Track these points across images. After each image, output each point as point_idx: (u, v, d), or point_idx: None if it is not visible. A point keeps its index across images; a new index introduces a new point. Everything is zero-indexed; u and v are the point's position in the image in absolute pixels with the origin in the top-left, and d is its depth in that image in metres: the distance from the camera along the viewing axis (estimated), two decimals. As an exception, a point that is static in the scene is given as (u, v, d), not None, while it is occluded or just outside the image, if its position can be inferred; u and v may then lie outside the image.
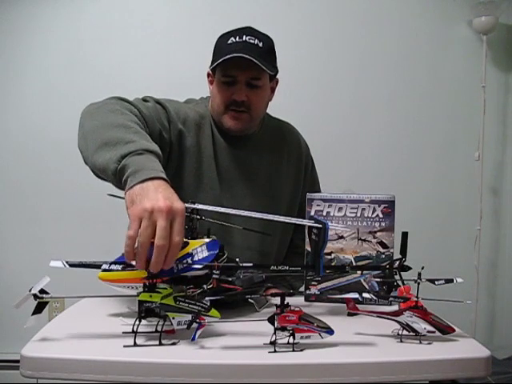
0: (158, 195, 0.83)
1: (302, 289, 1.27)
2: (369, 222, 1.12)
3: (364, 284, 1.12)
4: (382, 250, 1.12)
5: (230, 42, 1.22)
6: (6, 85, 2.10)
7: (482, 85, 2.13)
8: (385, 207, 1.12)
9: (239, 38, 1.21)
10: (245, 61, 1.17)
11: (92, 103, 1.17)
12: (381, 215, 1.12)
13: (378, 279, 1.07)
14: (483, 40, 2.13)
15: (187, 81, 2.08)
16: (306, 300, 1.17)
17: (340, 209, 1.13)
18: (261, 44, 1.22)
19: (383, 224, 1.12)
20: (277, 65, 1.32)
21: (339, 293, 1.07)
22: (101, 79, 2.10)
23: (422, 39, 2.19)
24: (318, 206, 1.14)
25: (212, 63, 1.25)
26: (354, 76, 2.17)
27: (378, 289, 1.11)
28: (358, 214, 1.13)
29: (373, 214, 1.12)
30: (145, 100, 1.26)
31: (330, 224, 1.03)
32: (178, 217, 0.83)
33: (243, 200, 1.32)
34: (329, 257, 1.13)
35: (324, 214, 1.13)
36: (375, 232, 1.12)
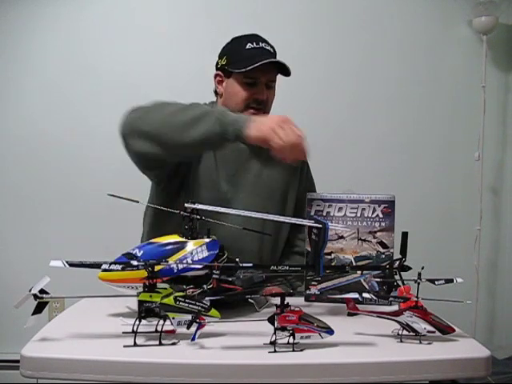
0: (267, 119, 1.14)
1: (300, 289, 1.27)
2: (369, 222, 1.13)
3: (364, 284, 1.12)
4: (382, 249, 1.12)
5: (248, 47, 1.36)
6: (6, 85, 2.10)
7: (482, 85, 2.13)
8: (385, 207, 1.12)
9: (256, 44, 1.36)
10: (267, 65, 1.32)
11: (138, 107, 1.25)
12: (381, 215, 1.12)
13: (378, 279, 1.07)
14: (483, 40, 2.13)
15: (187, 81, 2.09)
16: (306, 300, 1.17)
17: (340, 209, 1.13)
18: (272, 50, 1.38)
19: (383, 224, 1.12)
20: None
21: (339, 293, 1.07)
22: (101, 79, 2.10)
23: (422, 39, 2.19)
24: (317, 206, 1.14)
25: (235, 66, 1.36)
26: (354, 76, 2.17)
27: (378, 289, 1.11)
28: (358, 214, 1.13)
29: (373, 214, 1.12)
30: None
31: (329, 224, 1.03)
32: (291, 122, 1.11)
33: (240, 189, 1.39)
34: (329, 257, 1.13)
35: (324, 213, 1.13)
36: (375, 232, 1.12)
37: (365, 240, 1.12)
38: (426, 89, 2.19)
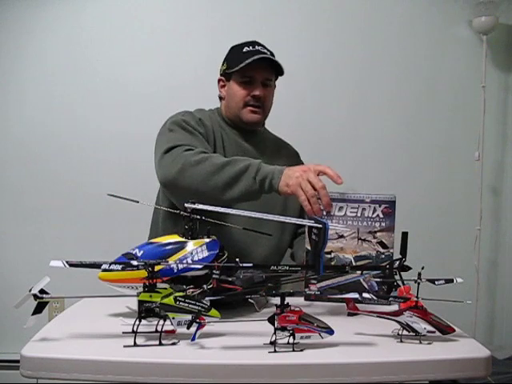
0: (295, 171, 1.15)
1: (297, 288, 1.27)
2: (369, 222, 1.12)
3: (363, 284, 1.12)
4: (381, 250, 1.12)
5: (244, 50, 1.44)
6: (6, 84, 2.10)
7: (482, 85, 2.13)
8: (385, 207, 1.12)
9: (252, 47, 1.45)
10: (261, 64, 1.42)
11: (176, 156, 1.26)
12: (381, 215, 1.12)
13: (378, 279, 1.07)
14: (483, 40, 2.12)
15: (188, 81, 2.09)
16: (305, 299, 1.17)
17: (340, 208, 1.13)
18: (269, 53, 1.46)
19: (383, 224, 1.12)
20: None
21: (339, 292, 1.07)
22: (101, 80, 2.10)
23: (422, 39, 2.19)
24: (318, 205, 1.14)
25: (232, 68, 1.45)
26: (354, 76, 2.17)
27: (377, 289, 1.11)
28: (359, 214, 1.13)
29: (373, 214, 1.12)
30: (186, 129, 1.38)
31: (330, 224, 1.03)
32: (312, 171, 1.14)
33: None
34: (329, 256, 1.12)
35: (324, 213, 1.13)
36: (375, 232, 1.12)
37: (365, 240, 1.12)
38: (426, 89, 2.19)
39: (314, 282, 1.12)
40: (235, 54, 1.48)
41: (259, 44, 1.48)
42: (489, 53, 2.15)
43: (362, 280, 1.12)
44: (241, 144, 1.49)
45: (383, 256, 1.12)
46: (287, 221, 1.14)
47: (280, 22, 2.13)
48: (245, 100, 1.45)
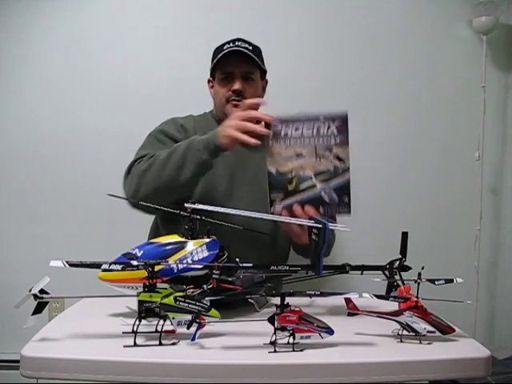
0: (225, 123, 1.22)
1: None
2: (325, 139, 1.14)
3: (324, 197, 1.15)
4: (338, 164, 1.15)
5: (225, 48, 1.46)
6: (6, 84, 2.10)
7: (482, 85, 2.13)
8: (339, 123, 1.14)
9: (232, 44, 1.46)
10: (239, 58, 1.43)
11: (130, 175, 1.35)
12: (335, 132, 1.14)
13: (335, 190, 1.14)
14: (483, 40, 2.12)
15: (188, 81, 2.09)
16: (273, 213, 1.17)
17: (297, 129, 1.14)
18: (251, 47, 1.47)
19: (337, 140, 1.14)
20: (265, 67, 1.53)
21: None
22: (102, 79, 2.10)
23: (422, 39, 2.18)
24: (275, 127, 1.14)
25: (211, 67, 1.51)
26: (354, 76, 2.16)
27: (337, 200, 1.14)
28: (314, 133, 1.14)
29: (328, 131, 1.14)
30: (161, 140, 1.45)
31: (329, 224, 1.03)
32: (237, 115, 1.21)
33: (240, 184, 1.46)
34: (290, 176, 1.14)
35: (282, 134, 1.14)
36: (331, 148, 1.14)
37: (322, 156, 1.15)
38: (426, 89, 2.19)
39: (279, 202, 1.14)
40: (217, 53, 1.49)
41: (242, 40, 1.48)
42: (489, 53, 2.14)
43: (323, 193, 1.14)
44: None
45: (340, 170, 1.15)
46: (287, 220, 1.15)
47: (279, 23, 2.13)
48: (226, 96, 1.47)
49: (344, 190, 1.14)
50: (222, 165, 1.42)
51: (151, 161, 1.30)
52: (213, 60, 1.51)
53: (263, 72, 1.54)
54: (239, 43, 1.46)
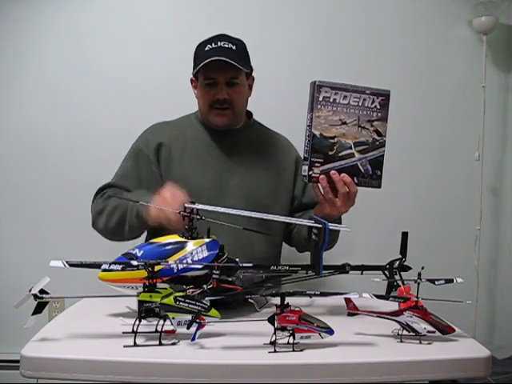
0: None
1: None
2: (368, 112, 1.21)
3: (360, 167, 1.21)
4: (377, 137, 1.22)
5: (206, 48, 1.37)
6: (7, 84, 2.10)
7: (482, 85, 2.13)
8: (382, 99, 1.21)
9: (214, 44, 1.37)
10: (222, 63, 1.33)
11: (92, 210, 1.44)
12: (378, 106, 1.21)
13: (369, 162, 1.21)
14: (483, 40, 2.12)
15: (187, 81, 2.09)
16: (309, 181, 1.21)
17: (345, 97, 1.20)
18: (234, 47, 1.38)
19: (379, 114, 1.22)
20: (251, 64, 1.46)
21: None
22: (102, 79, 2.09)
23: (422, 39, 2.18)
24: (325, 92, 1.19)
25: (193, 69, 1.42)
26: (354, 75, 2.16)
27: (371, 172, 1.22)
28: (360, 104, 1.20)
29: (372, 104, 1.21)
30: (137, 160, 1.49)
31: (329, 224, 1.03)
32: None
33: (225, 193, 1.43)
34: (332, 140, 1.20)
35: (331, 100, 1.19)
36: (373, 121, 1.21)
37: (364, 127, 1.21)
38: (426, 89, 2.19)
39: (318, 165, 1.19)
40: (197, 54, 1.42)
41: (224, 39, 1.39)
42: (489, 53, 2.14)
43: (359, 164, 1.21)
44: (210, 144, 1.46)
45: (378, 143, 1.22)
46: (287, 220, 1.15)
47: (278, 22, 2.13)
48: (209, 103, 1.40)
49: (378, 164, 1.22)
50: (209, 174, 1.42)
51: (105, 204, 1.37)
52: (195, 59, 1.42)
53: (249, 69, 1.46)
54: (222, 43, 1.37)
